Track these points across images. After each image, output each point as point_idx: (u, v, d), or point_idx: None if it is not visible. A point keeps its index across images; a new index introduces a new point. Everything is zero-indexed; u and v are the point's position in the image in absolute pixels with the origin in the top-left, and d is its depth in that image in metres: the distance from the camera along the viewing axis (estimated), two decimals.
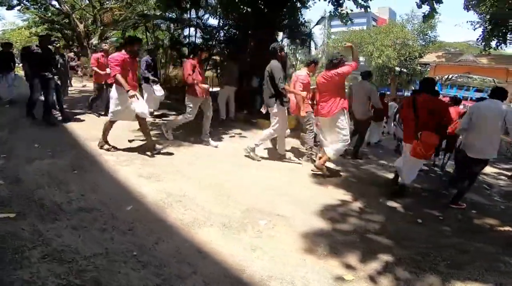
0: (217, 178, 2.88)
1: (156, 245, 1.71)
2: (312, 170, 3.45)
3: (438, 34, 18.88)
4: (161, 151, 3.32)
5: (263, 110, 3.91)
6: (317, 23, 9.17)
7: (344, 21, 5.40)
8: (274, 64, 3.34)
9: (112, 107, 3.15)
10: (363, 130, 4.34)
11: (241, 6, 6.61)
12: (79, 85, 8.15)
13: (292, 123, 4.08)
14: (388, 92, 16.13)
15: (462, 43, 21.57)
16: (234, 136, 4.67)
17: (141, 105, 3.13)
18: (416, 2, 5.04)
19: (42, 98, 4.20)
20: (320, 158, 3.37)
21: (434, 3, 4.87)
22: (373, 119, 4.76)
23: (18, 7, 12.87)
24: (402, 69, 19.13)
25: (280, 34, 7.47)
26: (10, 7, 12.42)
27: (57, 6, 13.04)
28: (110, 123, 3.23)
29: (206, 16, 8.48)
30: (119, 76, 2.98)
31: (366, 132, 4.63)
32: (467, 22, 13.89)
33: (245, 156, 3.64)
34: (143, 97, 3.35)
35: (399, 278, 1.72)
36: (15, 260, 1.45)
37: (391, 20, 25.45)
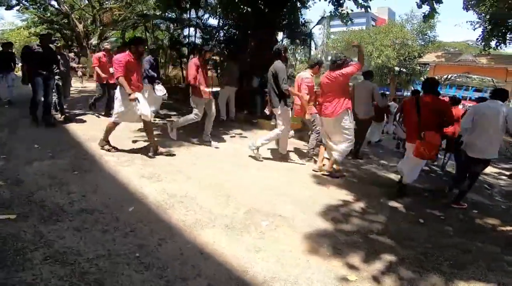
0: (219, 178, 2.88)
1: (159, 247, 1.70)
2: (313, 170, 3.45)
3: (437, 34, 18.97)
4: (164, 153, 3.29)
5: (267, 111, 3.91)
6: (318, 23, 9.17)
7: (344, 21, 5.40)
8: (279, 65, 3.34)
9: (116, 109, 3.13)
10: (364, 130, 4.35)
11: (241, 6, 6.61)
12: (79, 85, 8.11)
13: (297, 124, 4.07)
14: (387, 92, 16.15)
15: (461, 43, 21.62)
16: (234, 136, 4.67)
17: (145, 106, 3.11)
18: (416, 2, 5.04)
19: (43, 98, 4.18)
20: (322, 160, 3.38)
21: (434, 3, 4.87)
22: (374, 120, 4.76)
23: (17, 7, 12.83)
24: (401, 69, 19.16)
25: (280, 34, 7.48)
26: (9, 7, 12.37)
27: (56, 6, 13.02)
28: (114, 124, 3.21)
29: (206, 16, 8.49)
30: (122, 79, 2.97)
31: (367, 132, 4.63)
32: (466, 22, 13.95)
33: (249, 156, 3.64)
34: (145, 98, 3.32)
35: (402, 278, 1.72)
36: (17, 262, 1.44)
37: (391, 20, 25.50)
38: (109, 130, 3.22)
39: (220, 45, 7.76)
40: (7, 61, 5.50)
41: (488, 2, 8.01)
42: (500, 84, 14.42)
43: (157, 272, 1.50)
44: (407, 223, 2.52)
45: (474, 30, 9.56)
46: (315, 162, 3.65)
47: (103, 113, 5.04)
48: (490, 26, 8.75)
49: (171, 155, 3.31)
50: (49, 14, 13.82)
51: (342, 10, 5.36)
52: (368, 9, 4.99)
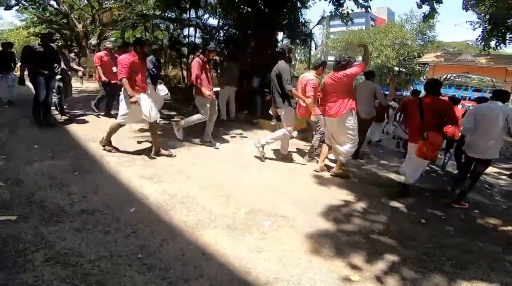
0: (219, 178, 2.87)
1: (161, 248, 1.69)
2: (314, 170, 3.45)
3: (436, 34, 18.97)
4: (165, 154, 3.28)
5: (272, 112, 3.90)
6: (318, 23, 9.17)
7: (345, 21, 5.40)
8: (282, 65, 3.33)
9: (121, 110, 3.10)
10: (365, 130, 4.35)
11: (241, 6, 6.60)
12: (79, 85, 8.09)
13: (301, 125, 4.07)
14: (387, 92, 16.18)
15: (460, 43, 21.65)
16: (235, 136, 4.66)
17: (147, 108, 3.08)
18: (416, 2, 5.04)
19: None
20: (323, 160, 3.39)
21: (434, 3, 4.88)
22: (375, 120, 4.78)
23: (16, 7, 12.79)
24: (401, 69, 19.18)
25: (280, 34, 7.48)
26: (8, 7, 12.34)
27: (56, 6, 12.98)
28: (119, 126, 3.18)
29: (206, 16, 8.48)
30: (125, 81, 2.95)
31: (367, 132, 4.64)
32: (466, 22, 13.96)
33: (255, 156, 3.64)
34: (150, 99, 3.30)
35: (405, 278, 1.72)
36: (18, 264, 1.43)
37: (390, 20, 25.54)
38: (112, 131, 3.20)
39: (220, 45, 7.75)
40: (7, 61, 5.47)
41: (488, 2, 8.03)
42: (499, 84, 14.46)
43: (159, 273, 1.49)
44: (409, 223, 2.52)
45: (474, 30, 9.58)
46: (317, 162, 3.64)
47: (103, 114, 5.03)
48: (489, 26, 8.76)
49: (172, 156, 3.30)
50: (48, 14, 13.79)
51: (342, 10, 5.37)
52: (369, 9, 4.99)
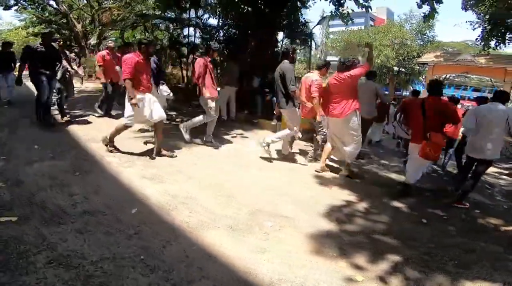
0: (221, 178, 2.86)
1: (164, 249, 1.69)
2: (316, 170, 3.44)
3: (436, 34, 19.02)
4: (166, 155, 3.27)
5: (276, 112, 3.90)
6: (318, 23, 9.17)
7: (345, 21, 5.40)
8: (286, 65, 3.33)
9: (127, 112, 3.07)
10: (365, 130, 4.36)
11: (241, 6, 6.59)
12: (79, 85, 8.06)
13: (304, 125, 4.07)
14: (386, 92, 16.18)
15: (460, 43, 21.71)
16: (235, 136, 4.65)
17: (147, 109, 3.07)
18: (416, 2, 5.04)
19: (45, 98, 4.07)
20: (325, 160, 3.41)
21: (434, 3, 4.88)
22: (375, 120, 4.78)
23: (15, 7, 12.73)
24: (400, 69, 19.21)
25: (281, 34, 7.47)
26: (7, 7, 12.28)
27: (55, 6, 12.92)
28: (125, 127, 3.16)
29: (206, 15, 8.46)
30: (128, 81, 2.93)
31: (367, 132, 4.65)
32: (466, 22, 13.98)
33: (260, 156, 3.65)
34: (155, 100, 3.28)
35: (408, 278, 1.72)
36: (20, 266, 1.42)
37: (390, 20, 25.56)
38: (117, 131, 3.17)
39: (220, 45, 7.74)
40: (7, 61, 5.43)
41: (488, 2, 8.04)
42: (498, 84, 14.49)
43: (163, 274, 1.48)
44: (410, 223, 2.52)
45: (473, 30, 9.60)
46: (317, 161, 3.64)
47: (103, 113, 5.01)
48: (489, 26, 8.78)
49: (173, 157, 3.29)
50: (47, 14, 13.73)
51: (343, 10, 5.37)
52: (369, 9, 4.99)
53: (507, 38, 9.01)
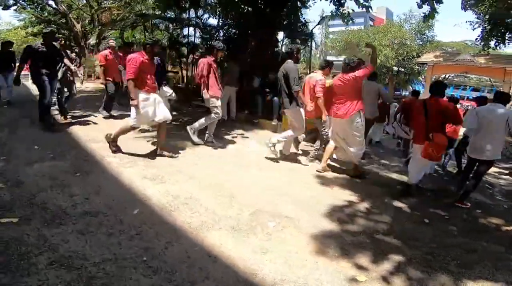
0: (222, 179, 2.86)
1: (166, 250, 1.68)
2: (317, 170, 3.44)
3: (435, 34, 19.05)
4: (167, 156, 3.25)
5: (282, 113, 3.90)
6: (319, 23, 9.17)
7: (345, 20, 5.40)
8: (290, 65, 3.33)
9: (133, 113, 3.05)
10: (367, 129, 4.37)
11: (241, 6, 6.58)
12: (79, 85, 8.04)
13: (309, 126, 4.08)
14: (387, 92, 16.11)
15: (459, 43, 21.73)
16: (236, 136, 4.64)
17: (149, 111, 3.05)
18: (416, 2, 5.04)
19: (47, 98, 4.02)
20: (326, 160, 3.42)
21: (435, 3, 4.88)
22: (376, 120, 4.79)
23: (14, 7, 12.68)
24: (400, 69, 19.22)
25: (281, 34, 7.46)
26: (6, 7, 12.23)
27: (54, 5, 12.88)
28: (131, 128, 3.15)
29: (206, 15, 8.44)
30: (131, 82, 2.92)
31: (368, 132, 4.65)
32: (466, 22, 13.99)
33: (266, 157, 3.66)
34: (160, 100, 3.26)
35: (411, 278, 1.71)
36: (21, 267, 1.41)
37: (389, 20, 25.59)
38: (123, 131, 3.15)
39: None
40: (8, 61, 5.40)
41: (488, 2, 8.05)
42: (497, 84, 14.52)
43: (165, 276, 1.47)
44: (412, 223, 2.52)
45: (473, 30, 9.61)
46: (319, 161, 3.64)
47: (109, 115, 4.97)
48: (489, 26, 8.80)
49: (174, 157, 3.28)
50: (46, 14, 13.68)
51: (343, 10, 5.36)
52: (370, 9, 4.99)
53: (506, 38, 9.03)
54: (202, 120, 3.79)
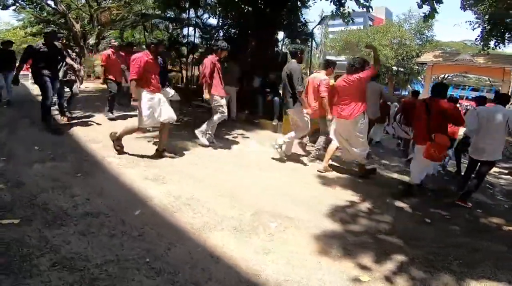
0: (222, 179, 2.85)
1: (168, 251, 1.67)
2: (318, 170, 3.44)
3: (435, 34, 19.08)
4: (167, 156, 3.25)
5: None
6: (319, 23, 9.17)
7: (346, 20, 5.40)
8: (294, 65, 3.33)
9: (145, 113, 3.01)
10: (369, 130, 4.38)
11: (241, 6, 6.57)
12: (79, 85, 8.00)
13: (313, 126, 4.08)
14: (386, 92, 16.11)
15: (459, 43, 21.79)
16: (236, 136, 4.64)
17: (164, 109, 3.04)
18: (417, 2, 5.03)
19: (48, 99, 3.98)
20: (327, 160, 3.42)
21: (435, 3, 4.87)
22: (377, 121, 4.81)
23: (13, 7, 12.64)
24: (399, 69, 19.25)
25: (281, 34, 7.45)
26: (5, 7, 12.18)
27: (53, 5, 12.84)
28: (138, 129, 3.13)
29: (206, 15, 8.43)
30: (133, 83, 2.90)
31: (370, 132, 4.66)
32: (466, 22, 14.01)
33: (272, 158, 3.65)
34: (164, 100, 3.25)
35: (414, 277, 1.71)
36: (24, 269, 1.40)
37: (388, 20, 25.63)
38: (128, 132, 3.14)
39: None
40: (8, 61, 5.37)
41: (487, 2, 8.07)
42: (496, 83, 14.57)
43: (168, 277, 1.47)
44: (414, 222, 2.52)
45: (473, 30, 9.64)
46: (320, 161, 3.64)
47: (114, 117, 4.95)
48: (489, 26, 8.81)
49: (175, 157, 3.28)
50: (45, 14, 13.64)
51: (343, 10, 5.36)
52: (370, 9, 4.99)
53: (506, 38, 9.05)
54: (209, 121, 3.77)
